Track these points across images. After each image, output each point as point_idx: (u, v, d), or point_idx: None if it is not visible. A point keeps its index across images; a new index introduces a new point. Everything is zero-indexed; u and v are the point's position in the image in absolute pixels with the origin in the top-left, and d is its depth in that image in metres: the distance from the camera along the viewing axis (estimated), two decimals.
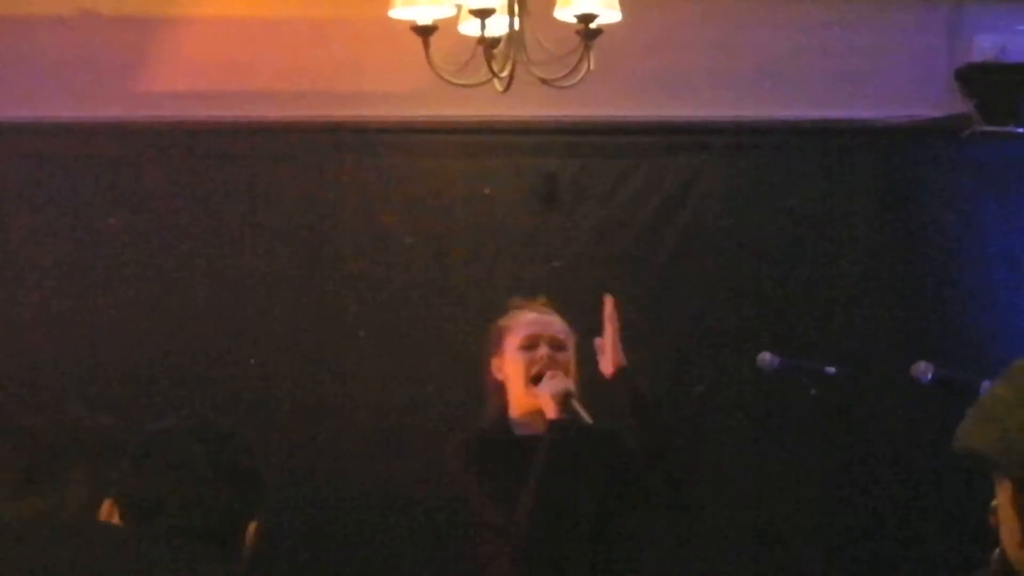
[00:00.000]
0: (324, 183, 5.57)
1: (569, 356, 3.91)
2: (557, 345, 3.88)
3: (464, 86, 4.12)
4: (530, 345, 3.87)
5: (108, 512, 2.42)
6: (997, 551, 1.90)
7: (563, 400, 3.74)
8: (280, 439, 5.35)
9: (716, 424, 5.54)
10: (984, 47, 5.52)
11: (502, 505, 3.71)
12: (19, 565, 2.27)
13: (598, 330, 4.00)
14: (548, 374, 3.80)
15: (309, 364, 5.50)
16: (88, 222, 5.48)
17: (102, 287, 5.45)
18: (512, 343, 3.90)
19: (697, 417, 5.52)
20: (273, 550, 2.47)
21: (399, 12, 4.06)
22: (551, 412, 3.73)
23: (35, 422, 2.74)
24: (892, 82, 5.64)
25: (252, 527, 2.42)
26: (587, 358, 4.00)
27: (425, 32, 4.04)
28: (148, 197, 5.50)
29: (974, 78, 5.54)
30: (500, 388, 3.94)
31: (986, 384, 3.98)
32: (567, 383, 3.79)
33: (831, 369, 4.55)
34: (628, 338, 5.36)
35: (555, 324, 3.94)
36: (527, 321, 3.93)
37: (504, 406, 3.92)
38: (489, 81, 4.10)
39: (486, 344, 3.99)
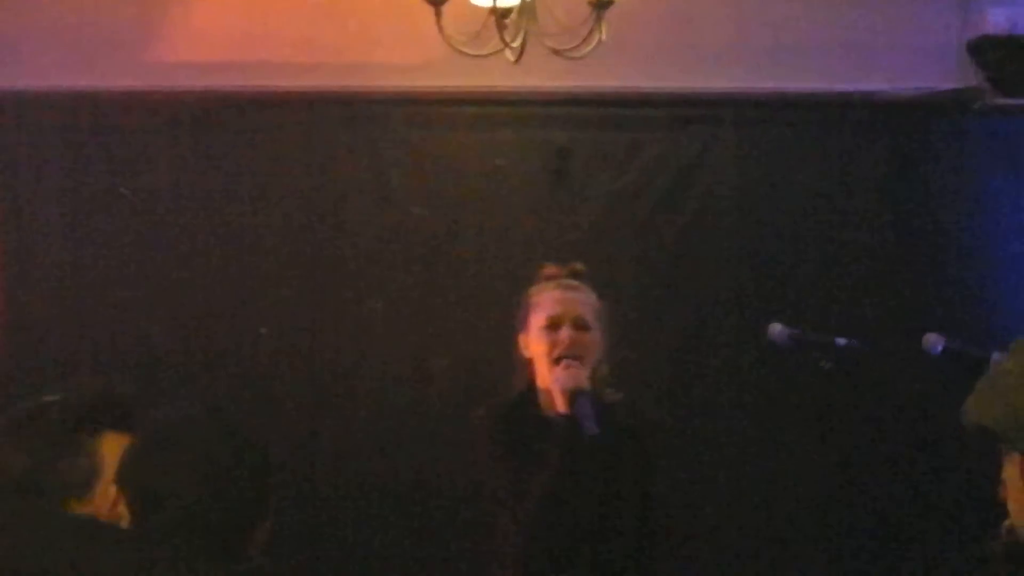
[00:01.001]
0: (336, 154, 5.57)
1: (594, 336, 3.85)
2: (581, 325, 3.81)
3: (476, 56, 4.12)
4: (553, 325, 3.81)
5: (113, 500, 2.41)
6: (1007, 522, 1.91)
7: (572, 396, 3.68)
8: (292, 417, 5.39)
9: (727, 396, 5.55)
10: (997, 20, 5.50)
11: (516, 479, 3.71)
12: (20, 563, 2.27)
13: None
14: (563, 363, 3.74)
15: (321, 334, 5.51)
16: (98, 193, 5.49)
17: (111, 260, 5.47)
18: (537, 321, 3.84)
19: (710, 390, 5.53)
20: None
21: None
22: (561, 406, 3.69)
23: (54, 397, 2.73)
24: (904, 55, 5.62)
25: (264, 527, 2.40)
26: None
27: (437, 2, 4.03)
28: (159, 168, 5.51)
29: (986, 51, 5.52)
30: (527, 363, 3.89)
31: (996, 356, 3.98)
32: (579, 379, 3.71)
33: (841, 340, 4.55)
34: (638, 312, 5.44)
35: (581, 302, 3.86)
36: (552, 299, 3.85)
37: (532, 380, 3.88)
38: (501, 51, 4.10)
39: (517, 318, 3.93)
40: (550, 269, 3.97)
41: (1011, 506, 1.88)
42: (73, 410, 2.65)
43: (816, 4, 5.61)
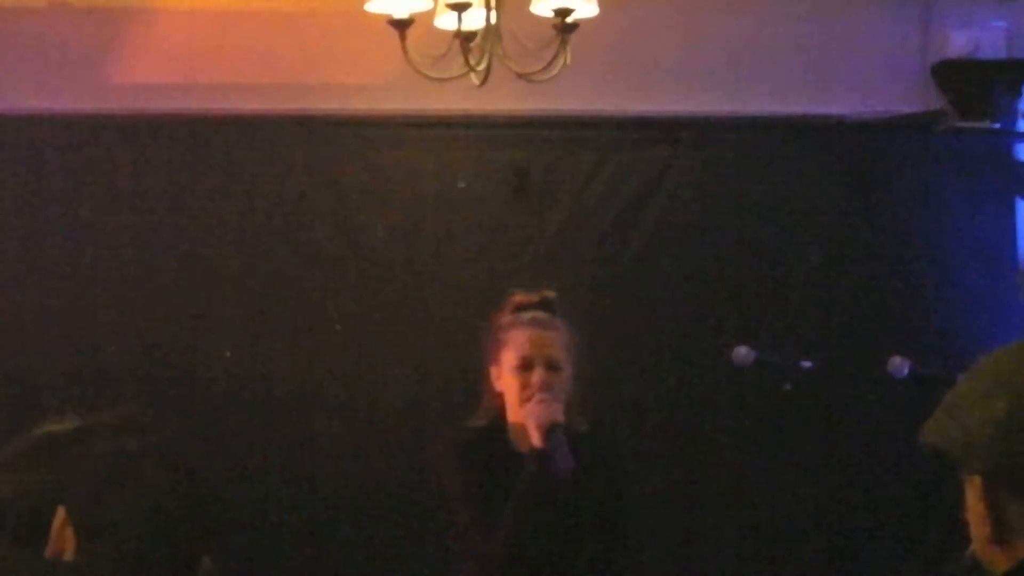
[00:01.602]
0: (297, 176, 5.55)
1: (566, 374, 3.85)
2: (553, 366, 3.82)
3: (441, 80, 4.11)
4: (525, 366, 3.81)
5: (62, 523, 2.39)
6: (970, 548, 1.90)
7: (547, 431, 3.69)
8: (254, 438, 5.38)
9: (689, 419, 5.54)
10: (959, 43, 5.53)
11: (479, 510, 3.72)
12: None
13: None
14: (537, 397, 3.75)
15: (278, 357, 5.49)
16: (57, 214, 5.46)
17: (72, 280, 5.43)
18: (509, 360, 3.84)
19: (672, 412, 5.53)
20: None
21: (375, 5, 4.05)
22: (536, 440, 3.70)
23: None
24: (865, 77, 5.64)
25: (204, 565, 2.35)
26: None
27: (401, 25, 4.02)
28: (118, 189, 5.48)
29: (949, 74, 5.55)
30: (497, 396, 3.90)
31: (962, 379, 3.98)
32: (554, 413, 3.72)
33: (807, 363, 4.55)
34: (599, 330, 5.44)
35: (553, 341, 3.85)
36: (525, 339, 3.84)
37: (501, 411, 3.89)
38: (466, 75, 4.09)
39: (485, 345, 3.93)
40: (520, 296, 3.97)
41: (972, 529, 1.88)
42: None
43: (778, 27, 5.63)
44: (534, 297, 3.95)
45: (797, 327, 5.53)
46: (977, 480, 1.82)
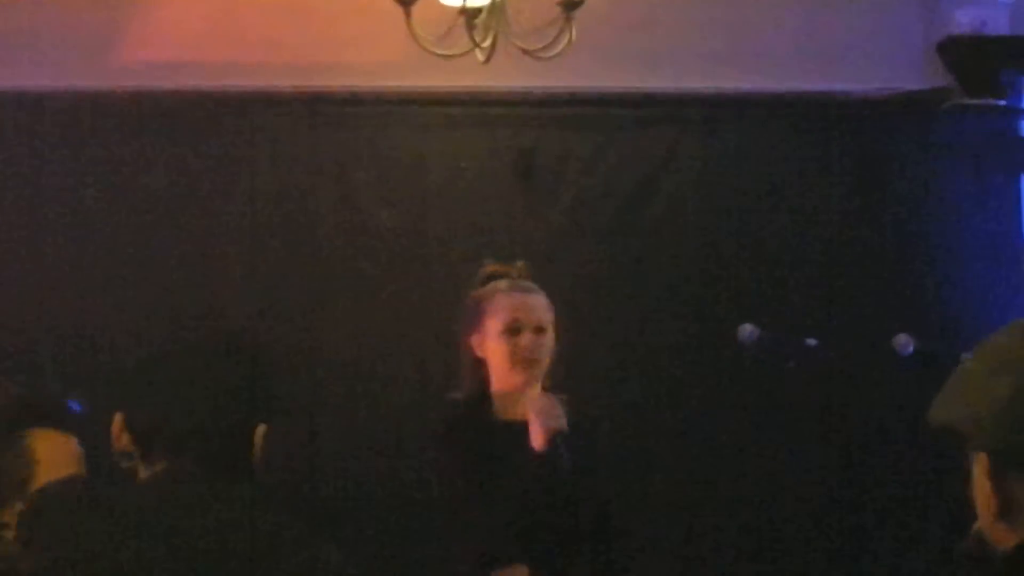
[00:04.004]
0: (300, 156, 5.54)
1: (550, 338, 3.88)
2: (539, 329, 3.85)
3: (446, 57, 4.11)
4: (512, 330, 3.83)
5: (119, 430, 2.45)
6: (976, 525, 1.91)
7: (552, 438, 3.69)
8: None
9: (695, 399, 5.54)
10: (964, 20, 5.52)
11: (473, 488, 3.73)
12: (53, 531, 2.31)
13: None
14: (539, 407, 3.74)
15: (285, 335, 5.48)
16: (63, 194, 5.44)
17: (74, 260, 5.41)
18: (494, 326, 3.85)
19: (677, 393, 5.53)
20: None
21: None
22: (538, 444, 3.69)
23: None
24: (870, 55, 5.63)
25: (260, 431, 2.46)
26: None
27: (406, 2, 4.02)
28: (123, 169, 5.46)
29: (953, 51, 5.54)
30: (480, 363, 3.91)
31: (966, 357, 3.99)
32: (560, 422, 3.71)
33: (812, 341, 4.56)
34: (606, 310, 5.45)
35: (537, 307, 3.89)
36: (510, 304, 3.86)
37: (485, 381, 3.90)
38: (470, 52, 4.09)
39: (463, 319, 3.96)
40: (493, 267, 4.00)
41: (978, 507, 1.88)
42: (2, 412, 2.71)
43: (784, 4, 5.62)
44: (509, 267, 3.98)
45: (803, 307, 5.53)
46: (984, 458, 1.83)
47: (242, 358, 2.49)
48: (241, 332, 2.60)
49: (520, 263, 4.00)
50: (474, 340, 3.91)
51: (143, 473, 2.41)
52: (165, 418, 2.39)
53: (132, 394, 2.46)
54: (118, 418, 2.46)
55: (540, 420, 3.71)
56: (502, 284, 3.93)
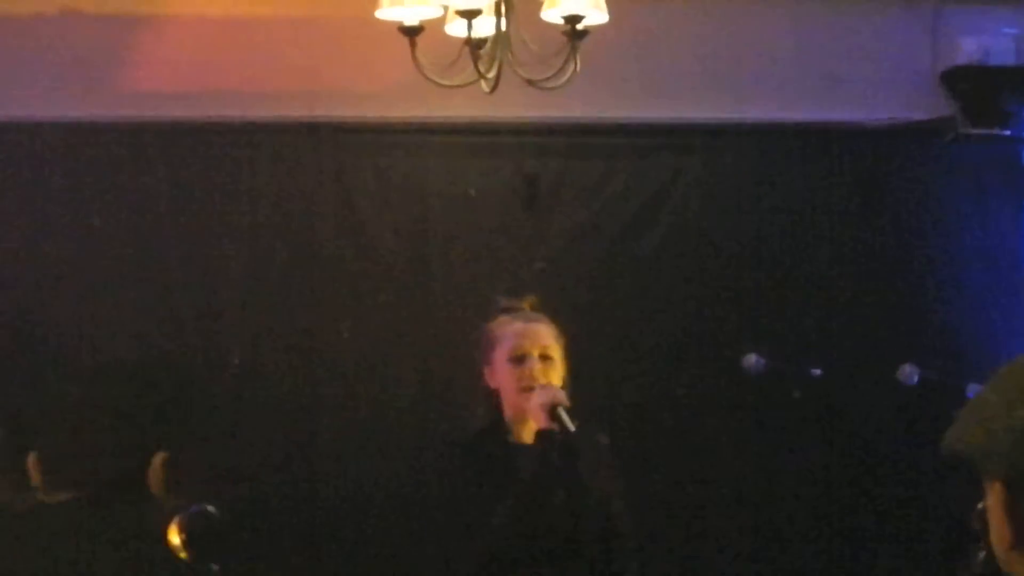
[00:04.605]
0: (305, 184, 5.55)
1: (558, 364, 3.94)
2: (545, 356, 3.91)
3: (451, 87, 4.11)
4: (518, 357, 3.90)
5: (33, 465, 2.53)
6: (983, 554, 1.90)
7: (552, 410, 3.76)
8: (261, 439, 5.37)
9: (699, 426, 5.54)
10: (968, 49, 5.54)
11: (483, 509, 3.77)
12: None
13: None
14: (538, 387, 3.83)
15: (290, 363, 5.48)
16: (63, 223, 5.44)
17: (85, 287, 5.41)
18: (501, 355, 3.94)
19: (680, 419, 5.52)
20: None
21: (386, 12, 4.03)
22: (540, 422, 3.78)
23: None
24: (875, 84, 5.64)
25: (157, 460, 2.50)
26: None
27: (412, 32, 4.02)
28: (128, 196, 5.47)
29: (959, 80, 5.55)
30: (493, 394, 3.98)
31: (973, 387, 3.99)
32: (556, 394, 3.81)
33: (817, 371, 4.56)
34: (610, 338, 5.44)
35: (543, 334, 3.96)
36: (515, 332, 3.95)
37: (498, 410, 3.97)
38: (476, 82, 4.08)
39: (477, 350, 4.03)
40: (506, 302, 4.09)
41: (992, 535, 1.88)
42: None
43: (788, 34, 5.63)
44: (520, 302, 4.07)
45: (806, 334, 5.53)
46: (998, 486, 1.83)
47: (142, 387, 2.56)
48: (143, 361, 2.68)
49: (531, 297, 4.09)
50: (486, 371, 4.00)
51: (49, 502, 2.48)
52: (68, 453, 2.47)
53: (44, 430, 2.54)
54: (32, 457, 2.54)
55: (538, 400, 3.79)
56: (510, 316, 4.01)
